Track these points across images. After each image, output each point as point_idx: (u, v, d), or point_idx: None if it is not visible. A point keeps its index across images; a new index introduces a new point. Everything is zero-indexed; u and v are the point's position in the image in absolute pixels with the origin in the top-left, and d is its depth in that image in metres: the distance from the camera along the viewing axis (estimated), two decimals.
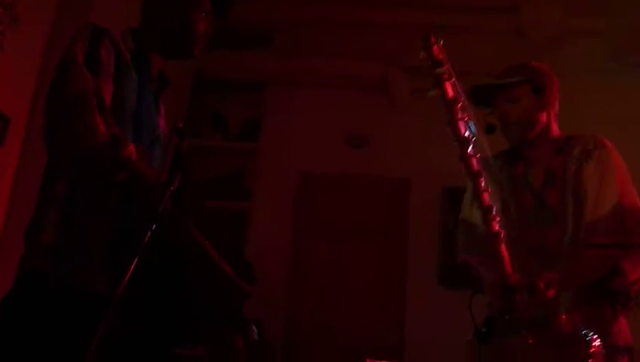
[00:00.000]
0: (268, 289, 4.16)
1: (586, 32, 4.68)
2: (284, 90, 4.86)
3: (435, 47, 1.66)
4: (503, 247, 1.74)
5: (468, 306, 2.11)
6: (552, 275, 1.84)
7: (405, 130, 4.64)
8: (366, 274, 4.45)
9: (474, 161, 1.66)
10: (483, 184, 1.67)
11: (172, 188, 1.33)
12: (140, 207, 1.42)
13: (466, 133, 1.65)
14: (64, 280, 1.56)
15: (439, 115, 4.80)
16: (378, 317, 4.34)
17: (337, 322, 4.32)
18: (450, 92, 1.64)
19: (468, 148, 1.66)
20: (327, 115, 4.77)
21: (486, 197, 1.68)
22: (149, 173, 1.52)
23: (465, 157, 1.67)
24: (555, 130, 2.19)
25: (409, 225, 4.52)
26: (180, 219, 1.47)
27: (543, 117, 2.14)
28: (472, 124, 1.66)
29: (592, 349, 1.71)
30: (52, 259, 1.57)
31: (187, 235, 1.51)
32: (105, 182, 1.53)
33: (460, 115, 1.65)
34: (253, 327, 3.50)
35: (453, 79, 1.64)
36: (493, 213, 1.68)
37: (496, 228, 1.70)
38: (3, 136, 3.00)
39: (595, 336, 1.72)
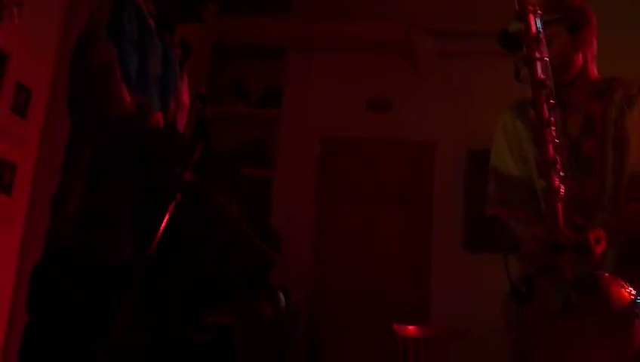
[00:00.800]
0: (293, 256, 4.17)
1: None
2: (305, 55, 4.79)
3: (533, 17, 1.45)
4: (560, 205, 1.60)
5: (504, 265, 2.05)
6: (599, 231, 1.71)
7: (429, 94, 4.57)
8: (391, 238, 4.43)
9: (545, 107, 1.50)
10: (553, 133, 1.53)
11: (195, 157, 1.31)
12: (164, 174, 1.41)
13: (542, 76, 1.47)
14: (91, 249, 1.56)
15: (464, 78, 4.76)
16: (404, 282, 4.33)
17: (363, 287, 4.32)
18: (533, 27, 1.44)
19: (542, 92, 1.49)
20: (349, 79, 4.70)
21: (551, 148, 1.53)
22: (174, 140, 1.51)
23: (537, 102, 1.50)
24: (594, 72, 2.01)
25: (434, 189, 4.48)
26: (204, 187, 1.46)
27: (579, 58, 1.97)
28: (549, 68, 1.51)
29: (639, 310, 1.64)
30: (78, 228, 1.58)
31: (212, 203, 1.50)
32: (131, 150, 1.52)
33: (538, 55, 1.46)
34: (281, 295, 3.51)
35: (539, 13, 1.46)
36: (558, 166, 1.54)
37: (557, 183, 1.55)
38: (25, 108, 3.01)
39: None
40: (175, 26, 1.81)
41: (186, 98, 1.82)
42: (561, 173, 1.54)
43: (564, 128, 1.92)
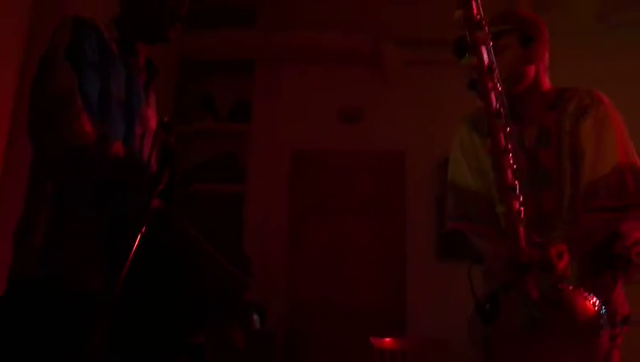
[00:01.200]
0: (268, 270, 4.14)
1: None
2: (273, 67, 4.77)
3: (474, 2, 1.40)
4: (521, 227, 1.60)
5: (467, 277, 2.04)
6: (560, 245, 1.71)
7: (399, 103, 4.58)
8: (365, 249, 4.42)
9: (502, 136, 1.47)
10: (510, 160, 1.50)
11: (160, 185, 1.28)
12: (130, 203, 1.38)
13: (497, 106, 1.44)
14: (57, 282, 1.52)
15: (433, 87, 4.79)
16: (380, 293, 4.32)
17: (339, 301, 4.30)
18: (486, 58, 1.39)
19: (498, 122, 1.45)
20: (318, 90, 4.69)
21: (510, 174, 1.51)
22: (137, 168, 1.48)
23: (493, 132, 1.47)
24: (546, 83, 2.02)
25: (406, 199, 4.49)
26: (171, 214, 1.43)
27: (531, 70, 1.97)
28: (504, 96, 1.47)
29: (603, 322, 1.64)
30: (43, 262, 1.53)
31: (179, 230, 1.47)
32: (92, 181, 1.48)
33: (492, 85, 1.42)
34: (255, 316, 3.46)
35: (490, 43, 1.41)
36: (517, 191, 1.52)
37: (517, 207, 1.54)
38: None
39: (603, 307, 1.66)
40: (138, 49, 1.77)
41: (153, 122, 1.79)
42: (520, 197, 1.53)
43: (521, 140, 1.94)
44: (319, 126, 4.65)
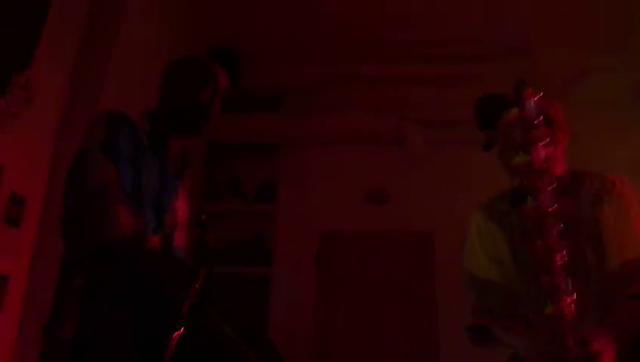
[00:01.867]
0: (296, 356, 4.02)
1: (602, 69, 4.63)
2: (298, 150, 4.83)
3: (531, 102, 1.41)
4: (569, 326, 1.53)
5: None
6: (601, 339, 1.63)
7: (425, 183, 4.57)
8: (396, 333, 4.31)
9: (554, 235, 1.46)
10: (564, 259, 1.48)
11: (197, 286, 1.25)
12: (164, 300, 1.35)
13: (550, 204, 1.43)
14: None
15: (457, 166, 4.78)
16: None
17: None
18: (539, 156, 1.41)
19: (550, 222, 1.45)
20: (343, 171, 4.72)
21: (560, 274, 1.47)
22: (172, 267, 1.46)
23: (544, 231, 1.46)
24: (561, 167, 2.00)
25: (436, 280, 4.39)
26: (207, 315, 1.39)
27: (550, 150, 1.92)
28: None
29: None
30: (72, 357, 1.50)
31: (214, 330, 1.43)
32: (127, 276, 1.46)
33: (546, 183, 1.43)
34: None
35: (545, 140, 1.41)
36: (569, 289, 1.49)
37: (566, 306, 1.50)
38: (19, 218, 2.95)
39: None
40: (169, 141, 1.79)
41: (182, 214, 1.78)
42: (573, 295, 1.48)
43: None
44: (346, 207, 4.64)
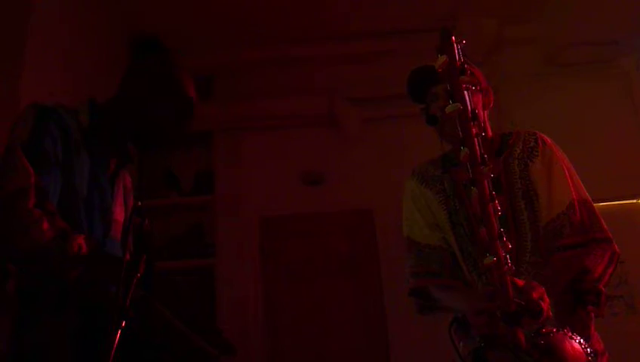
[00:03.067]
0: (245, 342, 4.00)
1: (521, 40, 4.77)
2: (232, 136, 4.76)
3: (456, 47, 1.40)
4: (508, 277, 1.54)
5: (449, 337, 2.00)
6: (540, 288, 1.66)
7: (361, 161, 4.60)
8: (344, 310, 4.33)
9: (486, 185, 1.43)
10: (497, 207, 1.45)
11: (138, 274, 1.21)
12: (100, 299, 1.30)
13: (481, 152, 1.41)
14: None
15: (392, 142, 4.83)
16: (362, 353, 4.21)
17: None
18: (469, 104, 1.38)
19: (483, 169, 1.42)
20: (278, 155, 4.69)
21: (496, 223, 1.46)
22: (104, 263, 1.41)
23: (478, 179, 1.43)
24: (489, 130, 2.07)
25: (379, 256, 4.43)
26: (149, 304, 1.35)
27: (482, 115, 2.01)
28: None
29: (592, 360, 1.62)
30: None
31: (157, 318, 1.39)
32: (52, 281, 1.40)
33: (477, 131, 1.40)
34: None
35: (473, 87, 1.43)
36: (504, 239, 1.48)
37: (503, 256, 1.50)
38: None
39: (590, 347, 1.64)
40: (112, 139, 1.71)
41: (119, 213, 1.71)
42: (508, 245, 1.48)
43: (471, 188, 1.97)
44: (284, 191, 4.62)
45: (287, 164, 4.67)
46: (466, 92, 1.38)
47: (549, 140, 2.02)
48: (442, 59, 1.39)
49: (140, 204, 1.26)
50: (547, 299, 1.66)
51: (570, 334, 1.65)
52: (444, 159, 2.12)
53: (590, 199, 1.96)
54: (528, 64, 4.73)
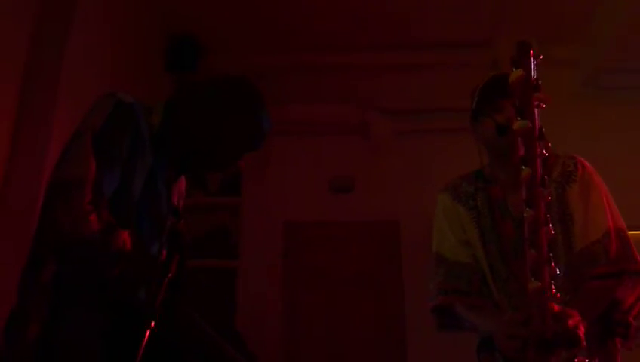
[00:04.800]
0: (263, 346, 3.99)
1: (560, 61, 4.70)
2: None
3: (533, 61, 1.37)
4: (550, 303, 1.49)
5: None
6: (576, 316, 1.61)
7: (389, 172, 4.57)
8: (363, 322, 4.30)
9: (543, 206, 1.39)
10: (551, 232, 1.42)
11: (169, 275, 1.20)
12: (135, 300, 1.29)
13: (542, 174, 1.38)
14: None
15: (422, 155, 4.81)
16: None
17: None
18: (537, 122, 1.35)
19: (542, 191, 1.39)
20: (308, 161, 4.68)
21: (546, 248, 1.43)
22: (144, 261, 1.40)
23: (536, 201, 1.39)
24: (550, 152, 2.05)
25: (402, 268, 4.39)
26: (180, 307, 1.35)
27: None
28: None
29: None
30: (39, 358, 1.42)
31: (187, 321, 1.38)
32: (97, 273, 1.40)
33: (540, 152, 1.37)
34: None
35: (543, 106, 1.37)
36: (552, 264, 1.44)
37: (548, 281, 1.45)
38: None
39: None
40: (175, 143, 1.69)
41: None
42: (556, 270, 1.44)
43: (506, 207, 1.94)
44: (311, 197, 4.61)
45: (315, 170, 4.66)
46: (535, 109, 1.34)
47: (588, 165, 1.97)
48: (517, 73, 1.35)
49: (176, 204, 1.26)
50: (582, 328, 1.60)
51: None
52: (477, 175, 2.09)
53: (626, 228, 1.91)
54: (566, 85, 4.66)
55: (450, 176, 4.39)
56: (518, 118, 1.36)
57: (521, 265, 1.74)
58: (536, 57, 1.39)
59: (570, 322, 1.56)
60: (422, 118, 4.57)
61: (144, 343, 1.10)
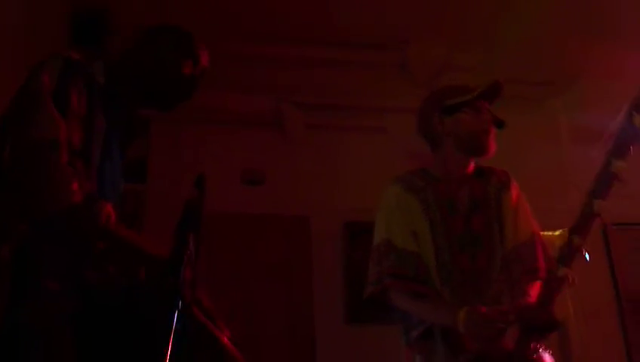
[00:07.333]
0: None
1: (464, 67, 4.93)
2: (172, 126, 4.58)
3: None
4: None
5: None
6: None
7: (302, 166, 4.58)
8: (273, 316, 4.26)
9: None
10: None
11: (187, 251, 1.12)
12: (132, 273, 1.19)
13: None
14: None
15: (334, 150, 4.84)
16: (289, 360, 4.16)
17: None
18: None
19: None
20: (219, 151, 4.56)
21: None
22: (134, 238, 1.30)
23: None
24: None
25: (312, 263, 4.41)
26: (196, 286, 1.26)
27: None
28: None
29: None
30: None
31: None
32: (79, 249, 1.27)
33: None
34: None
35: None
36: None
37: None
38: None
39: None
40: (124, 103, 1.59)
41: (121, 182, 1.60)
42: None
43: (452, 203, 2.10)
44: (221, 188, 4.47)
45: (227, 160, 4.55)
46: None
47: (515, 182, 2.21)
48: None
49: (204, 174, 1.17)
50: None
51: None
52: (424, 173, 2.20)
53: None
54: None
55: (360, 173, 4.48)
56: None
57: (465, 259, 2.00)
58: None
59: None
60: (335, 114, 4.62)
61: (174, 324, 1.01)
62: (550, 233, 4.62)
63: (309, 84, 4.64)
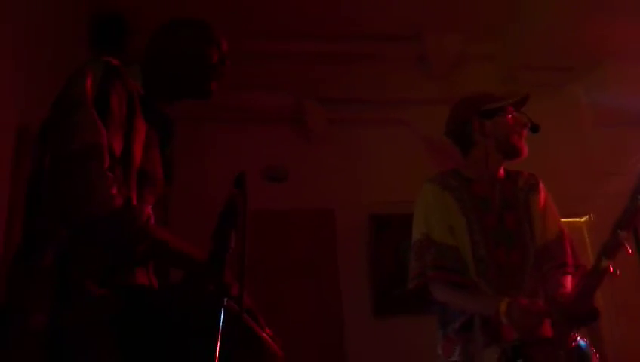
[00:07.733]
0: None
1: (480, 57, 4.93)
2: (194, 125, 4.62)
3: None
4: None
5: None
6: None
7: (325, 161, 4.60)
8: (301, 311, 4.29)
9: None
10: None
11: (229, 250, 1.15)
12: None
13: None
14: None
15: (357, 144, 4.86)
16: (318, 354, 4.19)
17: None
18: None
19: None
20: (241, 149, 4.58)
21: None
22: (174, 241, 1.34)
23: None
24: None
25: (338, 257, 4.45)
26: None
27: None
28: None
29: None
30: (46, 347, 1.31)
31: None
32: (120, 252, 1.30)
33: None
34: None
35: None
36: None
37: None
38: None
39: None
40: (159, 107, 1.63)
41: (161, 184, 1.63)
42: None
43: (487, 201, 2.23)
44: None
45: (249, 158, 4.48)
46: None
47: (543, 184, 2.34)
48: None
49: (244, 172, 1.20)
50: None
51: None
52: (455, 173, 2.32)
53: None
54: (484, 81, 4.88)
55: (383, 166, 4.48)
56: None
57: (500, 253, 2.13)
58: None
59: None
60: (356, 108, 4.64)
61: (221, 323, 1.04)
62: (576, 219, 4.65)
63: (330, 79, 4.66)
